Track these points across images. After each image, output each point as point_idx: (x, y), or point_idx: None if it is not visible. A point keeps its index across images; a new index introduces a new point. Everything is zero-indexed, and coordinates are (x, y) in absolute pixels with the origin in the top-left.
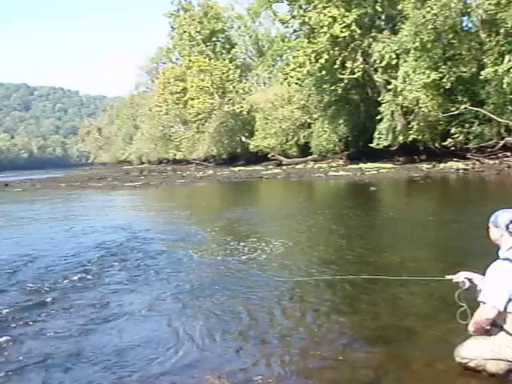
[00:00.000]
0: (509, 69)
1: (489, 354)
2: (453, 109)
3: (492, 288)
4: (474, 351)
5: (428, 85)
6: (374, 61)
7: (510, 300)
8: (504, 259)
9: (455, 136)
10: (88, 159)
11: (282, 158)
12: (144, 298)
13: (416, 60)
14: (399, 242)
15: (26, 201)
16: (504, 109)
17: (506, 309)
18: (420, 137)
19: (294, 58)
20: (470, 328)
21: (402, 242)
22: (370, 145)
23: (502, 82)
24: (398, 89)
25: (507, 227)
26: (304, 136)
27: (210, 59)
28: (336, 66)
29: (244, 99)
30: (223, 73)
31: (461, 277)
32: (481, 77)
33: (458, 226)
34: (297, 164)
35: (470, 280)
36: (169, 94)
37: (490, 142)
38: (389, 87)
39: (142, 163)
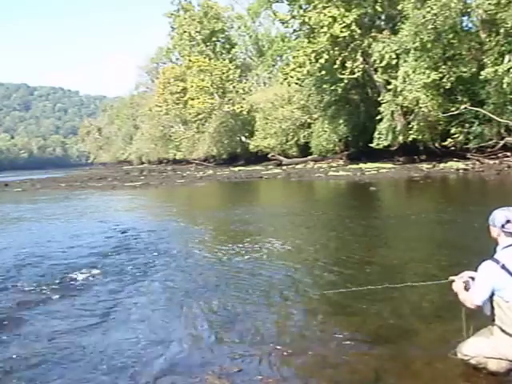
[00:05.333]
0: (509, 69)
1: (490, 352)
2: (453, 109)
3: (475, 287)
4: (475, 349)
5: (428, 85)
6: (374, 61)
7: (506, 302)
8: (491, 259)
9: (455, 136)
10: (88, 159)
11: (282, 158)
12: (145, 298)
13: (416, 60)
14: (400, 243)
15: (26, 201)
16: (504, 109)
17: (503, 309)
18: (420, 137)
19: (294, 57)
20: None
21: (403, 243)
22: (370, 145)
23: (502, 82)
24: (398, 89)
25: (503, 227)
26: (304, 136)
27: (210, 59)
28: (336, 66)
29: (244, 99)
30: (223, 73)
31: (465, 276)
32: (481, 77)
33: (459, 225)
34: (297, 164)
35: (473, 279)
36: (169, 94)
37: (490, 142)
38: (389, 87)
39: (142, 163)
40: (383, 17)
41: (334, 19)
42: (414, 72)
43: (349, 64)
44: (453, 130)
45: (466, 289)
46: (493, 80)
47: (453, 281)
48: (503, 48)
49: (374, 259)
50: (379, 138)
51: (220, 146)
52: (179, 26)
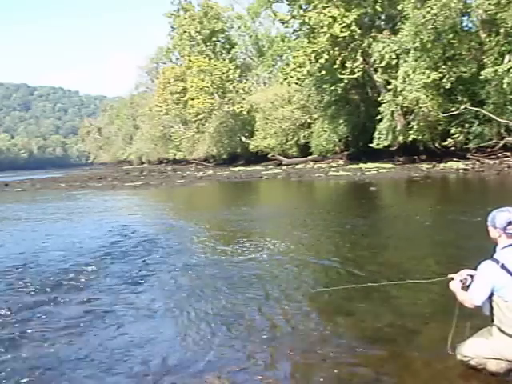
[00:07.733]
0: (509, 69)
1: (489, 353)
2: (453, 109)
3: (475, 287)
4: (474, 350)
5: (428, 85)
6: (374, 61)
7: (506, 301)
8: (491, 259)
9: (455, 136)
10: (88, 159)
11: (282, 158)
12: (145, 298)
13: (416, 60)
14: (399, 242)
15: (26, 200)
16: (504, 109)
17: (501, 309)
18: (420, 137)
19: (293, 58)
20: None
21: (403, 242)
22: (370, 145)
23: (502, 82)
24: (398, 89)
25: (505, 229)
26: (304, 136)
27: (210, 59)
28: (336, 66)
29: (244, 99)
30: (223, 73)
31: (463, 274)
32: (481, 77)
33: (459, 225)
34: (297, 164)
35: (472, 277)
36: (169, 94)
37: (490, 142)
38: (389, 87)
39: (142, 163)
40: (383, 17)
41: (334, 19)
42: (413, 72)
43: (349, 64)
44: (453, 130)
45: (465, 286)
46: (493, 80)
47: (452, 279)
48: (503, 48)
49: (374, 258)
50: (379, 138)
51: (220, 146)
52: (179, 25)
